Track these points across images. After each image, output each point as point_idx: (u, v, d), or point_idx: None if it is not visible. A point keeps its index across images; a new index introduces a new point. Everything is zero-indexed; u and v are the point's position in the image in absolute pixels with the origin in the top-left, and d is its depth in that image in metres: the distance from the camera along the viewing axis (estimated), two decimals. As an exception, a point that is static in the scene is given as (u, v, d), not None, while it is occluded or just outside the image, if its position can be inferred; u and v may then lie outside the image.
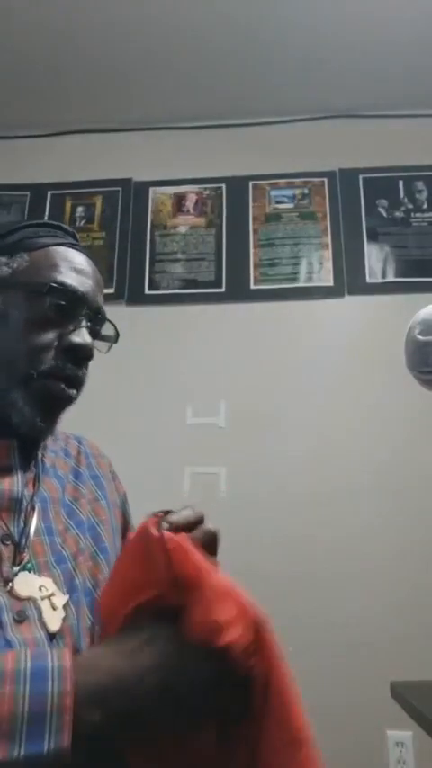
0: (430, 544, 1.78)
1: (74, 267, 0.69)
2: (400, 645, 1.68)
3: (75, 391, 0.68)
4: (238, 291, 2.12)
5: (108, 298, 0.79)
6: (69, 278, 0.68)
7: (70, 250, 0.71)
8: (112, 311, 0.75)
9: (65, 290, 0.67)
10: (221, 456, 1.94)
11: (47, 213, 2.29)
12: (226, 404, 1.99)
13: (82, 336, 0.67)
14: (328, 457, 1.90)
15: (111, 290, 2.10)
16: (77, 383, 0.68)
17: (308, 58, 2.06)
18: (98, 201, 2.30)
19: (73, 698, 0.44)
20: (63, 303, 0.67)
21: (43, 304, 0.66)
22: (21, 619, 0.57)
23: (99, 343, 0.73)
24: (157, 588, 0.53)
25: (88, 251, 0.75)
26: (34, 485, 0.68)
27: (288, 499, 1.86)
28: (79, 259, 0.71)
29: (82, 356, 0.67)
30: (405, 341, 0.98)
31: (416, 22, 1.91)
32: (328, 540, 1.81)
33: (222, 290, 2.13)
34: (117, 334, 0.73)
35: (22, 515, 0.65)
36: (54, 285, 0.66)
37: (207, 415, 1.98)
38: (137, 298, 2.14)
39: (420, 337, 0.94)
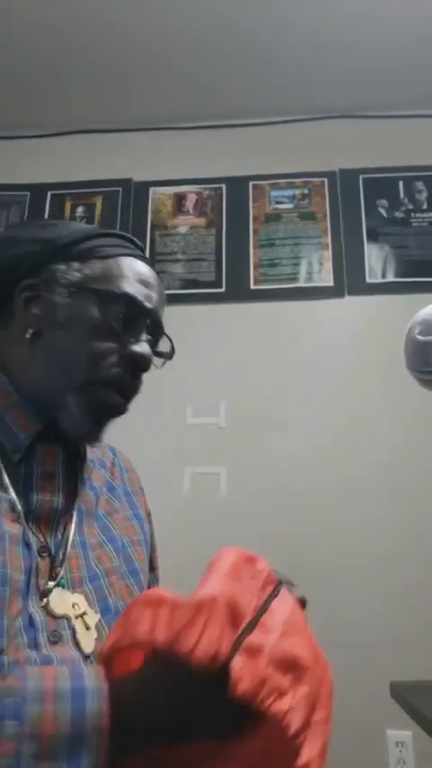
0: (430, 544, 1.78)
1: (142, 279, 0.69)
2: (400, 645, 1.68)
3: (127, 403, 0.69)
4: (238, 291, 2.12)
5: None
6: (137, 290, 0.68)
7: (139, 262, 0.71)
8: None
9: (133, 301, 0.67)
10: (221, 456, 1.94)
11: (47, 213, 2.29)
12: (226, 404, 1.99)
13: (143, 348, 0.67)
14: (328, 457, 1.90)
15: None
16: (132, 394, 0.69)
17: (308, 57, 2.06)
18: (98, 201, 2.29)
19: (109, 719, 0.44)
20: (130, 314, 0.67)
21: (111, 312, 0.66)
22: (55, 639, 0.56)
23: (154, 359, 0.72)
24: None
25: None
26: (73, 495, 0.68)
27: (288, 499, 1.86)
28: (147, 272, 0.71)
29: (141, 367, 0.67)
30: (405, 341, 0.98)
31: (416, 22, 1.91)
32: (329, 539, 1.80)
33: (222, 290, 2.13)
34: (172, 351, 0.74)
35: (60, 527, 0.64)
36: (124, 295, 0.66)
37: (207, 415, 1.98)
38: (137, 298, 2.14)
39: (420, 337, 0.94)
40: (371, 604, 1.74)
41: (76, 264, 0.67)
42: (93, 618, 0.60)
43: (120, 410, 0.68)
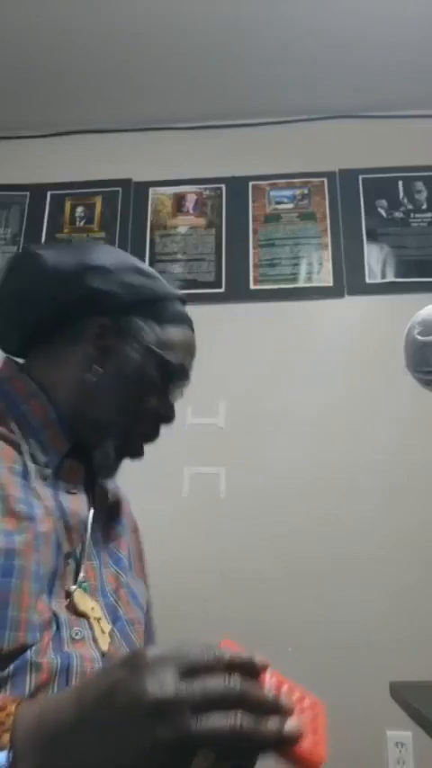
0: (430, 544, 1.78)
1: (191, 350, 0.78)
2: (400, 645, 1.68)
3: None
4: (238, 292, 2.12)
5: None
6: (187, 361, 0.77)
7: (189, 330, 0.79)
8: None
9: (184, 375, 0.77)
10: (221, 456, 1.94)
11: (47, 213, 2.29)
12: (226, 404, 1.99)
13: (174, 411, 0.78)
14: (327, 457, 1.90)
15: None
16: (151, 443, 0.78)
17: (308, 57, 2.06)
18: (98, 202, 2.30)
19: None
20: (178, 383, 0.76)
21: (167, 379, 0.74)
22: (77, 638, 0.59)
23: None
24: None
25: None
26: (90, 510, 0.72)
27: (287, 499, 1.86)
28: (192, 340, 0.79)
29: (166, 425, 0.78)
30: (405, 341, 0.98)
31: (416, 21, 1.91)
32: (328, 539, 1.81)
33: (222, 290, 2.13)
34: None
35: (81, 539, 0.68)
36: (181, 368, 0.76)
37: (207, 415, 1.98)
38: (137, 298, 2.14)
39: (420, 338, 0.94)
40: (370, 604, 1.74)
41: (152, 324, 0.74)
42: (106, 625, 0.63)
43: (139, 457, 0.77)
